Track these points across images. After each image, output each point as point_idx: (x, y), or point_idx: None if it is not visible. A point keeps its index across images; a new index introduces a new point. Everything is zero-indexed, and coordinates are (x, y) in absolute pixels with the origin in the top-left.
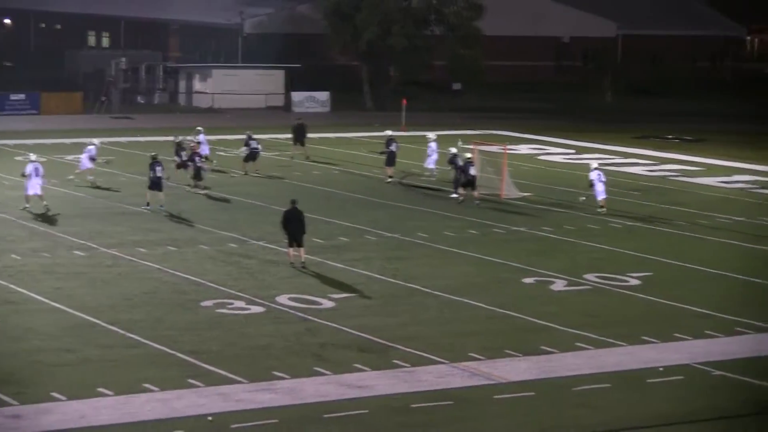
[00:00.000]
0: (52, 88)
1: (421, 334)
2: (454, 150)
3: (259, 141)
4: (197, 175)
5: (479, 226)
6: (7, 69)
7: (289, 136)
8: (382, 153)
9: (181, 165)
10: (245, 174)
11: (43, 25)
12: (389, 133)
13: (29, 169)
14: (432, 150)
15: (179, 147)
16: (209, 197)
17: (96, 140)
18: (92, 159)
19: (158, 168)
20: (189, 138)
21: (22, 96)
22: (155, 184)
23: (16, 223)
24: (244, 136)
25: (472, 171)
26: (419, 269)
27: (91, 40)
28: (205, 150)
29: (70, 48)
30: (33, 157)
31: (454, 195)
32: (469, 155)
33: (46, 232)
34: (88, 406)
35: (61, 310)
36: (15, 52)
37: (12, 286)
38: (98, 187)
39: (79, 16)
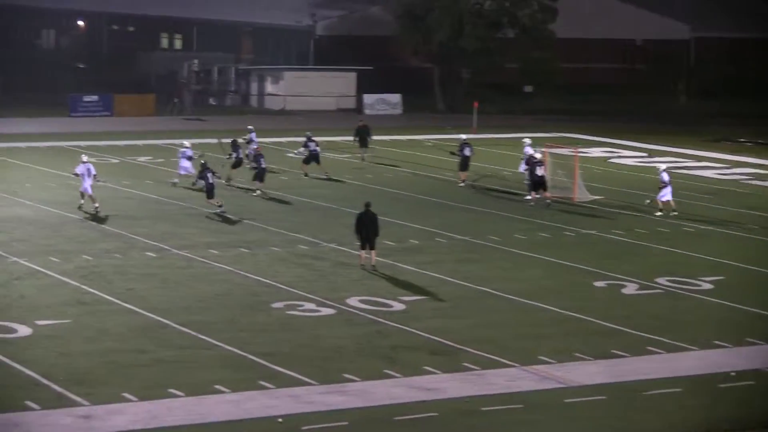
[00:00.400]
0: (124, 90)
1: (491, 337)
2: (530, 151)
3: (318, 143)
4: (259, 175)
5: (550, 229)
6: (80, 71)
7: (351, 138)
8: (453, 154)
9: (237, 164)
10: (305, 176)
11: (116, 27)
12: (463, 137)
13: (80, 169)
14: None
15: (234, 145)
16: (280, 200)
17: (186, 141)
18: (190, 159)
19: (209, 174)
20: (243, 138)
21: (95, 97)
22: (210, 192)
23: (88, 224)
24: (303, 138)
25: (539, 171)
26: (490, 272)
27: (164, 42)
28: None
29: (143, 50)
30: (84, 158)
31: (528, 197)
32: (538, 155)
33: (118, 234)
34: (159, 407)
35: (134, 311)
36: (88, 54)
37: (84, 287)
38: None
39: (151, 18)
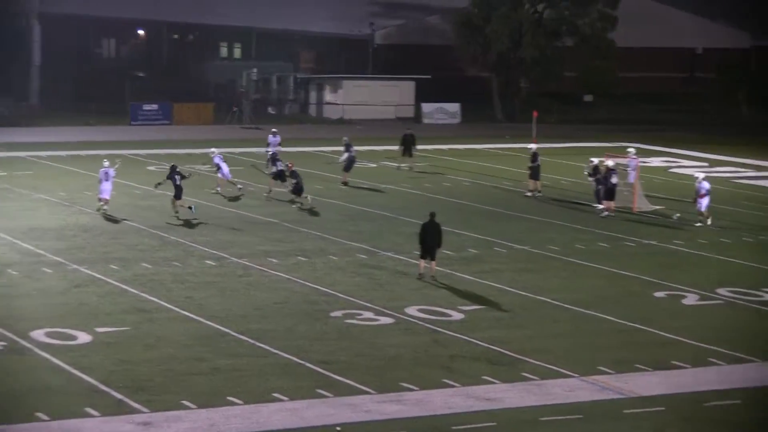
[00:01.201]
0: (184, 99)
1: (550, 347)
2: (595, 161)
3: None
4: (296, 189)
5: (610, 239)
6: (140, 79)
7: (396, 147)
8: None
9: (277, 176)
10: (344, 184)
11: (176, 36)
12: (533, 147)
13: (100, 174)
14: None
15: (274, 158)
16: (337, 209)
17: (214, 148)
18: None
19: (177, 177)
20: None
21: (154, 106)
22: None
23: (147, 232)
24: (342, 146)
25: (614, 179)
26: (549, 281)
27: (223, 51)
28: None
29: (203, 59)
30: (106, 163)
31: (599, 207)
32: (611, 163)
33: (177, 241)
34: (218, 415)
35: (193, 319)
36: (148, 63)
37: (143, 294)
38: (238, 198)
39: (211, 27)
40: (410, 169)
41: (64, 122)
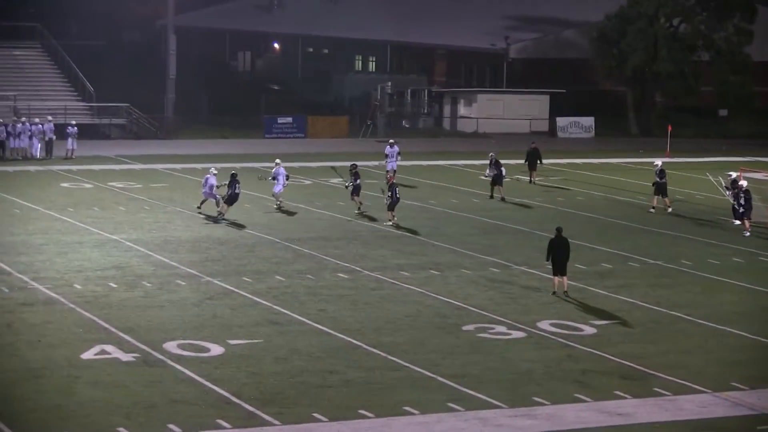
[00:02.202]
0: (318, 112)
1: (683, 362)
2: (733, 175)
3: (502, 165)
4: (392, 205)
5: (745, 254)
6: (275, 92)
7: (522, 161)
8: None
9: (356, 190)
10: (491, 197)
11: (311, 50)
12: (659, 162)
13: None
14: None
15: (354, 174)
16: (471, 223)
17: (213, 168)
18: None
19: (237, 185)
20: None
21: (289, 119)
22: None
23: (282, 245)
24: (488, 159)
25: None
26: (682, 297)
27: (358, 64)
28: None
29: (337, 72)
30: (214, 170)
31: (737, 223)
32: (745, 183)
33: (310, 254)
34: (349, 428)
35: (325, 332)
36: (283, 76)
37: (276, 307)
38: (362, 214)
39: (346, 40)
40: (533, 182)
41: (198, 135)
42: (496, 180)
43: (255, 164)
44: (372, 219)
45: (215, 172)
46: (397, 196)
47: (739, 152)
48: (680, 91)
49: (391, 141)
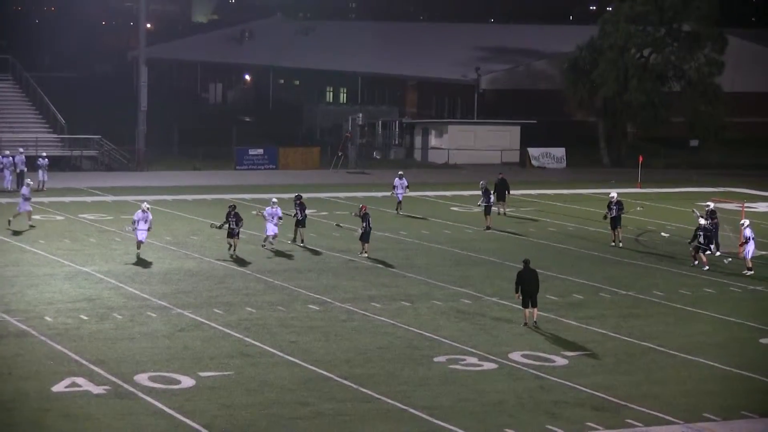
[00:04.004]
0: (290, 143)
1: (655, 393)
2: (711, 205)
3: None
4: (365, 236)
5: (716, 284)
6: (246, 124)
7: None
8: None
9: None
10: (487, 228)
11: (282, 81)
12: (614, 195)
13: (137, 216)
14: None
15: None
16: (443, 254)
17: (274, 198)
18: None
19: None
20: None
21: (260, 151)
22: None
23: (253, 276)
24: (480, 189)
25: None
26: (654, 327)
27: (329, 95)
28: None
29: (309, 103)
30: (145, 205)
31: (718, 253)
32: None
33: (281, 286)
34: None
35: (296, 364)
36: (254, 107)
37: (248, 338)
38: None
39: (317, 72)
40: (503, 214)
41: (170, 166)
42: (487, 210)
43: (226, 196)
44: (344, 251)
45: (275, 200)
46: (370, 226)
47: (711, 182)
48: (651, 121)
49: (400, 173)
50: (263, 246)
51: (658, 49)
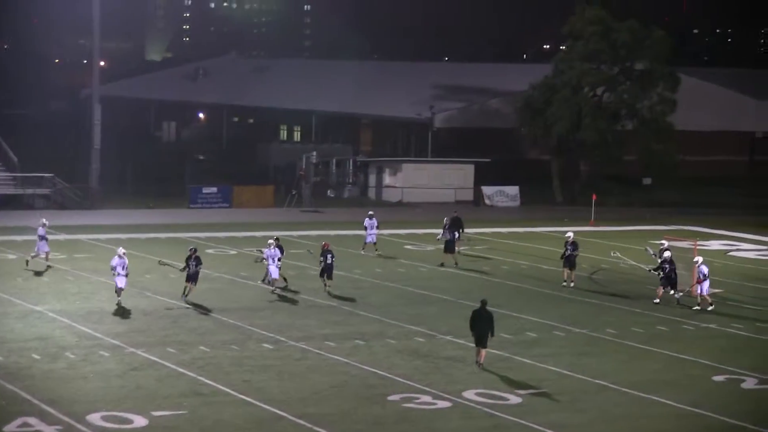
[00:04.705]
0: (243, 182)
1: (609, 431)
2: (666, 244)
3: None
4: (326, 271)
5: (668, 322)
6: (200, 162)
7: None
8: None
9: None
10: (441, 265)
11: (236, 119)
12: (570, 234)
13: (115, 262)
14: None
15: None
16: (397, 293)
17: (45, 220)
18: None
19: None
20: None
21: (214, 189)
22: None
23: (207, 315)
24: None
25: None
26: (608, 365)
27: (283, 133)
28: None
29: (262, 141)
30: (121, 251)
31: (672, 292)
32: (668, 254)
33: (235, 325)
34: None
35: (250, 403)
36: (208, 146)
37: (201, 377)
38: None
39: (271, 110)
40: (458, 252)
41: (123, 205)
42: (448, 246)
43: (180, 234)
44: (294, 291)
45: (272, 241)
46: (329, 262)
47: (663, 221)
48: (604, 159)
49: (370, 213)
50: (272, 291)
51: (612, 87)
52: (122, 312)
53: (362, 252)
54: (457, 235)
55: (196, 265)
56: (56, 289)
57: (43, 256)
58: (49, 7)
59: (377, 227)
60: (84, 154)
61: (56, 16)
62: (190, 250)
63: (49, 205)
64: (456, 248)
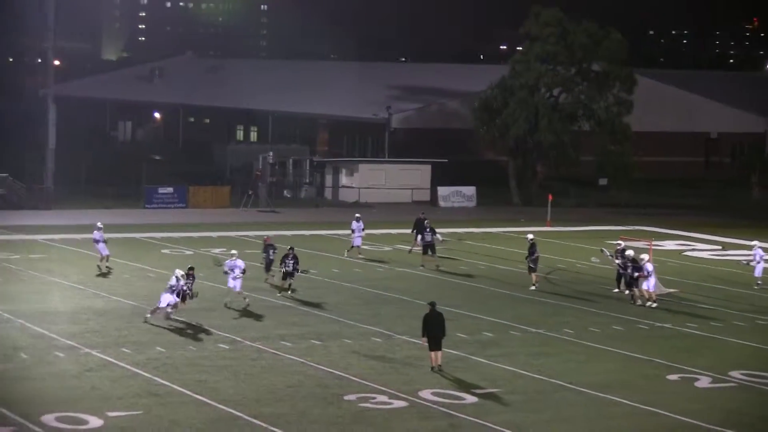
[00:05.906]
0: (199, 182)
1: (565, 430)
2: (622, 244)
3: (435, 231)
4: (267, 267)
5: (624, 322)
6: (156, 162)
7: (409, 231)
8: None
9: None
10: (422, 266)
11: (192, 120)
12: (531, 236)
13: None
14: (760, 257)
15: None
16: (354, 293)
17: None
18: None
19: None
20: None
21: (170, 189)
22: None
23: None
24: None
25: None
26: (564, 365)
27: (240, 134)
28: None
29: (219, 142)
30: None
31: (625, 292)
32: (631, 253)
33: (191, 324)
34: None
35: (205, 403)
36: (164, 146)
37: (157, 378)
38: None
39: (227, 110)
40: (412, 252)
41: (79, 205)
42: (429, 247)
43: (135, 235)
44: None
45: (235, 251)
46: (271, 257)
47: (619, 221)
48: (561, 160)
49: (357, 215)
50: (225, 304)
51: (568, 88)
52: (76, 313)
53: (345, 255)
54: (440, 237)
55: (191, 287)
56: (10, 289)
57: (104, 258)
58: (4, 5)
59: (363, 230)
60: (39, 154)
61: (7, 15)
62: (189, 268)
63: (3, 205)
64: (411, 249)
